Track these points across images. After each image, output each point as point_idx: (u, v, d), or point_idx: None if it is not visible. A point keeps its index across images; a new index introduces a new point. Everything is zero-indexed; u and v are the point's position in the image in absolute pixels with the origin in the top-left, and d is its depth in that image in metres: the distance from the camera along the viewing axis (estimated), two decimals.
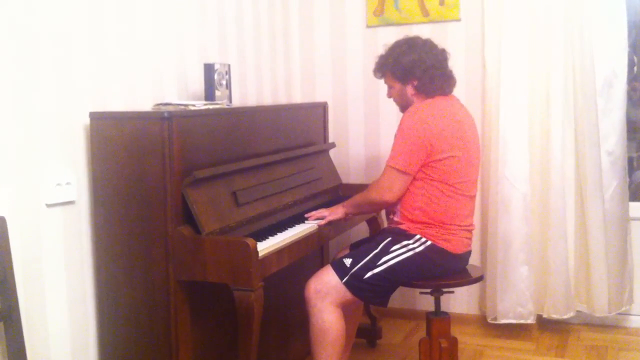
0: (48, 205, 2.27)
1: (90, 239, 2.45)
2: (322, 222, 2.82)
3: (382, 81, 2.90)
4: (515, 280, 3.51)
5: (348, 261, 2.66)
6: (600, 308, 3.49)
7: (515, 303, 3.53)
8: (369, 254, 2.67)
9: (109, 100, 2.53)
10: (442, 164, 2.64)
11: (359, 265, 2.64)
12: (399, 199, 2.70)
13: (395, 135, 2.73)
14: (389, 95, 2.88)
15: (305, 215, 2.86)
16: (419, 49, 2.76)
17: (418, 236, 2.67)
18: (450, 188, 2.67)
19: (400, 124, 2.70)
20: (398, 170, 2.65)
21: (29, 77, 2.18)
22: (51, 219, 2.29)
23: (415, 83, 2.75)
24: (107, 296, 2.44)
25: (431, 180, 2.66)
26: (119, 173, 2.35)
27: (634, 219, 3.58)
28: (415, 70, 2.73)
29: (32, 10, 2.19)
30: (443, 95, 2.78)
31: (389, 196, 2.68)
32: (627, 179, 3.54)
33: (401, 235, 2.69)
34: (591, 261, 3.47)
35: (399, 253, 2.66)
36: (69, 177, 2.34)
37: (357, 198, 2.83)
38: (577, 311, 3.58)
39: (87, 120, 2.39)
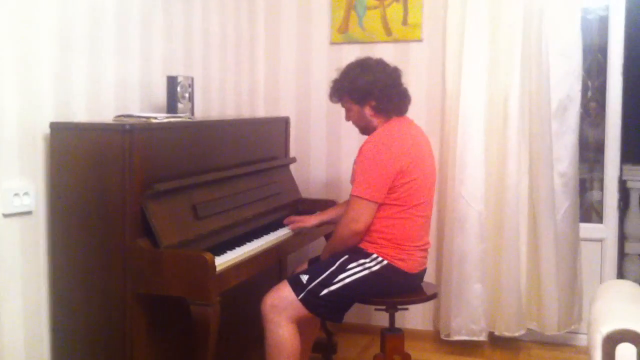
0: (5, 215, 2.25)
1: (47, 250, 2.44)
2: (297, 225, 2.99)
3: (344, 108, 2.92)
4: (469, 297, 3.57)
5: (305, 277, 2.68)
6: (551, 326, 3.57)
7: (468, 320, 3.59)
8: (325, 271, 2.69)
9: (70, 111, 2.52)
10: (404, 187, 2.67)
11: (315, 282, 2.66)
12: (367, 227, 2.69)
13: (357, 162, 2.74)
14: (347, 119, 2.90)
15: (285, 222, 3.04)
16: (373, 70, 2.79)
17: (375, 255, 2.71)
18: (408, 211, 2.71)
19: (363, 152, 2.70)
20: (365, 199, 2.65)
21: None
22: (8, 229, 2.27)
23: (373, 104, 2.77)
24: (63, 307, 2.42)
25: (390, 205, 2.69)
26: (78, 184, 2.34)
27: (585, 239, 3.68)
28: (372, 91, 2.75)
29: None
30: (399, 115, 2.81)
31: (356, 226, 2.67)
32: (579, 201, 3.63)
33: (358, 254, 2.72)
34: (542, 280, 3.55)
35: (356, 271, 2.68)
36: (28, 187, 2.32)
37: (329, 242, 2.85)
38: (528, 329, 3.65)
39: (48, 130, 2.38)
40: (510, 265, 3.55)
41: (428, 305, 3.79)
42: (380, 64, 2.82)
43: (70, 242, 2.38)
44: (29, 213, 2.35)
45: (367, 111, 2.80)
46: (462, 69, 3.57)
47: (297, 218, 3.09)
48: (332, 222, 3.06)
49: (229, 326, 2.82)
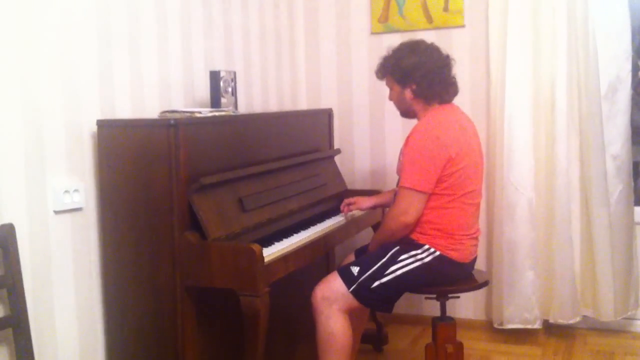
0: (56, 212, 2.29)
1: (97, 245, 2.48)
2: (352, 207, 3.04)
3: (386, 88, 2.90)
4: (522, 285, 3.51)
5: (355, 269, 2.65)
6: (606, 313, 3.49)
7: (521, 308, 3.53)
8: (376, 263, 2.65)
9: (116, 108, 2.56)
10: (454, 176, 2.62)
11: (366, 275, 2.63)
12: (418, 219, 2.65)
13: (403, 153, 2.70)
14: (390, 98, 2.87)
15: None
16: (421, 53, 2.74)
17: (427, 246, 2.66)
18: (458, 199, 2.66)
19: (411, 142, 2.66)
20: (415, 190, 2.61)
21: (37, 85, 2.21)
22: (59, 226, 2.31)
23: (414, 87, 2.73)
24: (115, 302, 2.46)
25: (440, 194, 2.64)
26: (126, 180, 2.38)
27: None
28: (414, 74, 2.71)
29: (41, 19, 2.22)
30: (442, 103, 2.76)
31: (406, 218, 2.63)
32: (632, 184, 3.54)
33: (409, 245, 2.68)
34: (597, 266, 3.47)
35: (407, 263, 2.64)
36: (77, 184, 2.36)
37: (377, 235, 2.82)
38: (583, 316, 3.58)
39: (95, 128, 2.42)
40: (563, 251, 3.47)
41: (480, 295, 3.74)
42: (430, 49, 2.76)
43: (120, 238, 2.41)
44: (79, 210, 2.39)
45: (407, 94, 2.75)
46: (506, 53, 3.51)
47: (352, 199, 3.09)
48: (385, 206, 3.04)
49: (279, 317, 2.82)
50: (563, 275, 3.48)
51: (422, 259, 2.65)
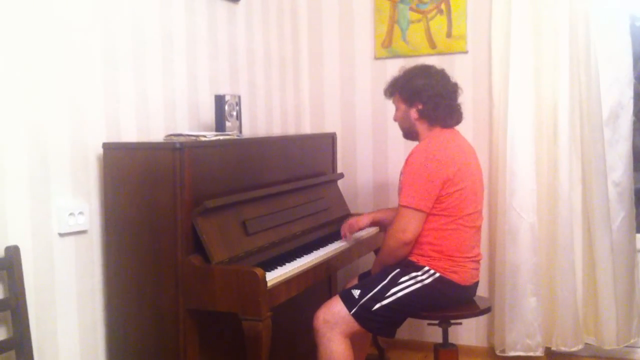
0: (61, 235, 2.30)
1: (101, 267, 2.48)
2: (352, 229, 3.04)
3: (390, 112, 2.93)
4: (524, 311, 3.50)
5: (356, 292, 2.66)
6: (609, 340, 3.47)
7: (523, 335, 3.52)
8: (377, 286, 2.67)
9: (122, 131, 2.58)
10: (452, 197, 2.65)
11: (367, 297, 2.64)
12: (416, 238, 2.67)
13: (403, 173, 2.74)
14: (394, 118, 2.92)
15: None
16: (431, 76, 2.80)
17: (426, 268, 2.67)
18: (457, 221, 2.68)
19: (409, 162, 2.70)
20: (412, 209, 2.63)
21: (44, 108, 2.23)
22: (64, 249, 2.32)
23: (420, 107, 2.78)
24: (117, 324, 2.46)
25: (439, 215, 2.66)
26: (130, 203, 2.39)
27: None
28: (422, 94, 2.76)
29: (47, 41, 2.24)
30: (444, 127, 2.79)
31: (404, 236, 2.65)
32: (635, 210, 3.54)
33: (409, 267, 2.69)
34: (599, 293, 3.46)
35: (408, 285, 2.65)
36: (82, 206, 2.37)
37: (379, 257, 2.83)
38: (586, 343, 3.55)
39: (100, 151, 2.44)
40: (565, 277, 3.47)
41: (482, 321, 3.73)
42: (440, 74, 2.83)
43: (123, 260, 2.42)
44: (84, 232, 2.40)
45: (412, 114, 2.80)
46: (508, 79, 3.53)
47: (351, 221, 3.08)
48: (384, 222, 3.05)
49: (280, 341, 2.82)
50: (565, 302, 3.47)
51: (422, 280, 2.66)
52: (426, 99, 2.76)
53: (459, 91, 2.85)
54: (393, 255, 2.72)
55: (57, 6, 2.28)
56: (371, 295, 2.64)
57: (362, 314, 2.63)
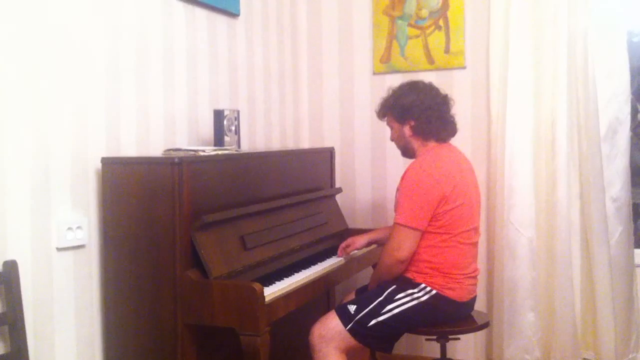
0: (59, 249, 2.30)
1: (99, 282, 2.48)
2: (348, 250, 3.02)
3: (388, 126, 2.94)
4: (522, 326, 3.49)
5: (352, 308, 2.66)
6: (608, 355, 3.46)
7: (522, 350, 3.51)
8: (373, 301, 2.66)
9: (121, 146, 2.59)
10: (449, 215, 2.64)
11: (363, 313, 2.63)
12: (412, 255, 2.67)
13: (399, 190, 2.73)
14: (391, 138, 2.93)
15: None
16: (419, 91, 2.80)
17: (423, 285, 2.67)
18: (454, 238, 2.67)
19: (405, 179, 2.70)
20: (408, 227, 2.63)
21: (45, 122, 2.24)
22: (62, 263, 2.32)
23: (412, 123, 2.78)
24: (115, 339, 2.45)
25: (435, 233, 2.66)
26: (129, 217, 2.39)
27: None
28: (413, 110, 2.77)
29: (49, 56, 2.26)
30: (439, 141, 2.80)
31: (399, 254, 2.65)
32: (633, 226, 3.54)
33: (406, 284, 2.69)
34: (598, 307, 3.46)
35: (404, 302, 2.64)
36: (80, 221, 2.38)
37: (375, 273, 2.84)
38: (584, 358, 3.54)
39: (99, 165, 2.44)
40: (563, 292, 3.46)
41: (480, 335, 3.72)
42: (428, 87, 2.83)
43: (121, 275, 2.42)
44: (82, 247, 2.40)
45: (406, 131, 2.81)
46: (507, 94, 3.55)
47: (347, 242, 3.08)
48: (381, 242, 3.06)
49: (277, 355, 2.81)
50: (563, 316, 3.47)
51: (418, 297, 2.65)
52: (418, 114, 2.76)
53: (451, 102, 2.85)
54: (388, 273, 2.72)
55: (58, 21, 2.29)
56: (367, 311, 2.64)
57: (358, 330, 2.62)
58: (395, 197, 2.81)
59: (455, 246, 2.68)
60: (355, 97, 4.04)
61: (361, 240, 3.08)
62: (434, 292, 2.66)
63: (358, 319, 2.63)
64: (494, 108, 3.65)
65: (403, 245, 2.64)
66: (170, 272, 2.33)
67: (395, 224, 2.67)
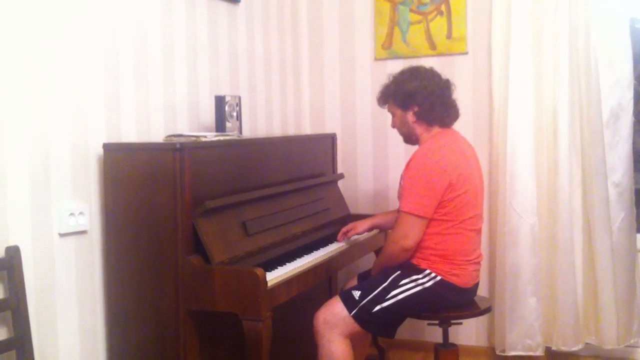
0: (61, 235, 2.30)
1: (101, 268, 2.49)
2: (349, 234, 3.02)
3: (389, 113, 2.93)
4: (524, 311, 3.50)
5: (357, 294, 2.66)
6: (610, 340, 3.48)
7: (523, 335, 3.52)
8: (377, 287, 2.66)
9: (122, 132, 2.58)
10: (454, 202, 2.63)
11: (367, 299, 2.63)
12: (417, 243, 2.66)
13: (404, 178, 2.71)
14: (392, 125, 2.90)
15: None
16: (421, 77, 2.78)
17: (428, 271, 2.66)
18: (459, 225, 2.67)
19: (411, 167, 2.67)
20: (414, 215, 2.62)
21: (45, 108, 2.24)
22: (64, 249, 2.32)
23: (416, 109, 2.76)
24: (118, 325, 2.46)
25: (441, 220, 2.65)
26: (130, 203, 2.39)
27: None
28: (416, 97, 2.74)
29: (49, 43, 2.25)
30: (443, 127, 2.78)
31: (406, 243, 2.64)
32: (635, 211, 3.54)
33: (411, 269, 2.68)
34: (599, 293, 3.47)
35: (408, 287, 2.64)
36: (82, 207, 2.38)
37: (378, 259, 2.83)
38: (586, 343, 3.56)
39: (101, 152, 2.44)
40: (565, 278, 3.47)
41: (482, 321, 3.73)
42: (430, 72, 2.81)
43: (124, 261, 2.42)
44: (84, 232, 2.40)
45: (410, 117, 2.79)
46: (508, 80, 3.53)
47: (348, 227, 3.08)
48: (383, 227, 3.06)
49: (281, 341, 2.82)
50: (565, 302, 3.48)
51: (423, 283, 2.65)
52: (421, 100, 2.74)
53: (452, 87, 2.83)
54: (393, 261, 2.72)
55: (58, 7, 2.28)
56: (371, 298, 2.64)
57: (362, 316, 2.62)
58: (400, 184, 2.80)
59: (460, 233, 2.68)
60: (357, 84, 4.03)
61: (363, 225, 3.08)
62: (438, 278, 2.66)
63: (362, 305, 2.63)
64: (495, 94, 3.64)
65: (410, 233, 2.63)
66: (172, 258, 2.33)
67: (401, 211, 2.66)
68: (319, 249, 2.92)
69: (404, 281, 2.66)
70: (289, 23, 3.97)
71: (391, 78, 2.86)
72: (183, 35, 2.96)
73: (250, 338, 2.27)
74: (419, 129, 2.79)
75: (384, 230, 3.26)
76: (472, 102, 3.71)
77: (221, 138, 2.66)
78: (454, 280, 2.67)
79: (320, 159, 3.49)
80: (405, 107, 2.79)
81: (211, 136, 2.63)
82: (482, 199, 2.82)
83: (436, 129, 2.78)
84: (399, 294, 2.64)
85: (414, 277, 2.66)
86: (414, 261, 2.70)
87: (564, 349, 3.53)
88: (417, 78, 2.77)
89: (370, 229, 3.14)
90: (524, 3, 3.49)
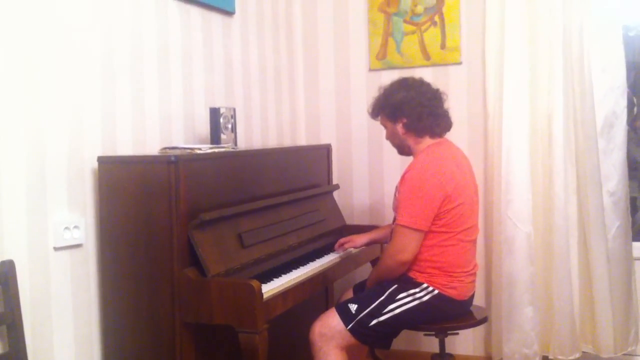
0: (56, 249, 2.30)
1: (97, 281, 2.48)
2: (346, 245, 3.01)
3: (382, 125, 2.93)
4: (521, 321, 3.50)
5: (353, 307, 2.64)
6: (606, 348, 3.47)
7: (520, 344, 3.51)
8: (374, 301, 2.64)
9: (118, 144, 2.58)
10: (451, 213, 2.63)
11: (364, 313, 2.62)
12: (414, 257, 2.65)
13: (400, 191, 2.70)
14: (386, 137, 2.91)
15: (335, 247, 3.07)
16: (409, 87, 2.77)
17: (425, 285, 2.65)
18: (456, 237, 2.66)
19: (407, 180, 2.66)
20: (411, 228, 2.60)
21: (41, 121, 2.24)
22: (59, 263, 2.32)
23: (405, 121, 2.76)
24: (113, 338, 2.45)
25: (437, 232, 2.64)
26: (126, 216, 2.39)
27: (638, 258, 3.58)
28: (403, 108, 2.74)
29: (45, 56, 2.25)
30: (433, 137, 2.77)
31: (403, 256, 2.63)
32: (630, 219, 3.55)
33: (408, 283, 2.67)
34: (596, 301, 3.47)
35: (406, 302, 2.63)
36: (77, 220, 2.37)
37: (374, 271, 2.82)
38: (583, 352, 3.55)
39: (96, 165, 2.44)
40: (561, 287, 3.47)
41: (478, 330, 3.73)
42: (418, 83, 2.81)
43: (119, 274, 2.41)
44: (79, 246, 2.39)
45: (399, 129, 2.79)
46: (503, 90, 3.55)
47: (346, 239, 3.08)
48: (381, 242, 3.05)
49: (276, 353, 2.81)
50: (562, 311, 3.47)
51: (420, 297, 2.64)
52: (408, 111, 2.73)
53: (443, 97, 2.82)
54: (390, 275, 2.71)
55: (54, 18, 2.28)
56: (368, 311, 2.62)
57: (359, 329, 2.61)
58: (395, 197, 2.80)
59: (456, 244, 2.67)
60: (352, 94, 4.04)
61: (362, 239, 3.07)
62: (435, 291, 2.65)
63: (359, 318, 2.61)
64: (490, 103, 3.65)
65: (407, 247, 2.62)
66: (167, 270, 2.33)
67: (398, 225, 2.64)
68: (314, 260, 2.92)
69: (401, 295, 2.65)
70: (283, 34, 3.98)
71: (381, 90, 2.87)
72: (178, 46, 2.97)
73: (246, 350, 2.27)
74: (410, 140, 2.79)
75: (381, 243, 3.26)
76: (466, 112, 3.72)
77: (216, 150, 2.66)
78: (451, 293, 2.67)
79: (315, 170, 3.49)
80: (394, 119, 2.79)
81: (206, 148, 2.63)
82: (477, 209, 2.82)
83: (427, 140, 2.77)
84: (396, 308, 2.63)
85: (411, 290, 2.65)
86: (411, 274, 2.69)
87: (561, 357, 3.52)
88: (404, 89, 2.77)
89: (368, 244, 3.13)
90: (518, 12, 3.51)
